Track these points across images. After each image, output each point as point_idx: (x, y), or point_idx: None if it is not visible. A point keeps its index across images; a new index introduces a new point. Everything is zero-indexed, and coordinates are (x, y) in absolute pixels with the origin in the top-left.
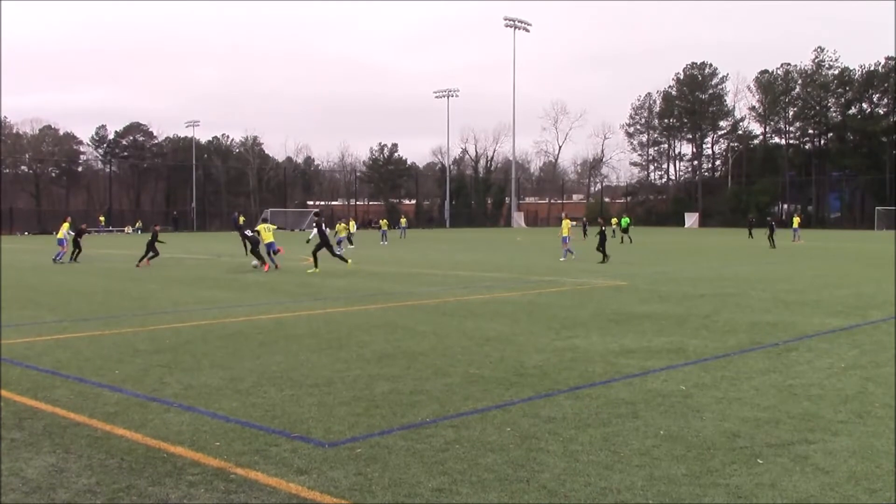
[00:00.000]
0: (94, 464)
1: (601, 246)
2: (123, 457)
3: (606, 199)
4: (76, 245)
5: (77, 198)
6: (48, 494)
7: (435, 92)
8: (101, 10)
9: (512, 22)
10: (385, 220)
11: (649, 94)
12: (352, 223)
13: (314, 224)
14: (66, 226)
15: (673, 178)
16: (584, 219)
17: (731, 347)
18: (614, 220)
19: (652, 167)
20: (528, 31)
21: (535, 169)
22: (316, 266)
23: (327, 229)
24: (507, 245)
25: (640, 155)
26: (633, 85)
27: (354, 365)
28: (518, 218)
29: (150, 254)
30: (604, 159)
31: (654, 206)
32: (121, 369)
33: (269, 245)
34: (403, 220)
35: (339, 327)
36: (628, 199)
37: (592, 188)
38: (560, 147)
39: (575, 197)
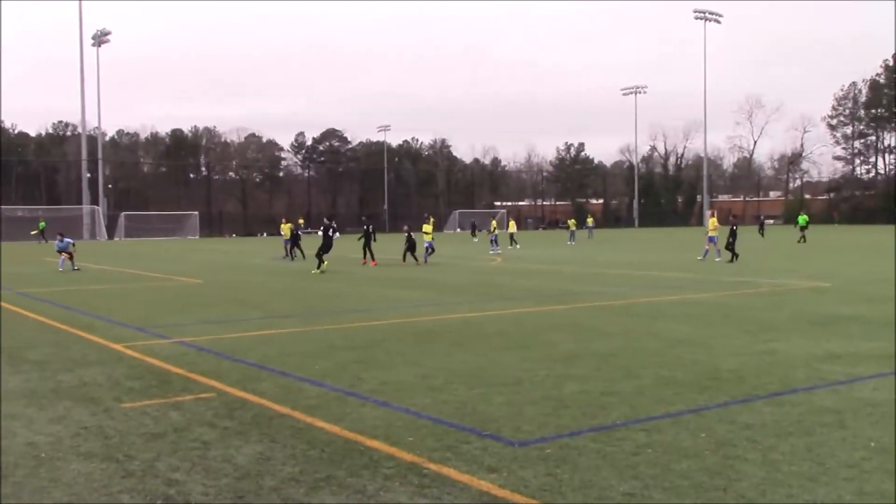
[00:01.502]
0: (297, 453)
1: (731, 245)
2: (324, 448)
3: (807, 196)
4: (295, 244)
5: (279, 201)
6: (256, 481)
7: (622, 89)
8: (298, 24)
9: (702, 14)
10: (573, 220)
11: (854, 83)
12: (512, 223)
13: (322, 228)
14: (287, 227)
15: (882, 172)
16: (762, 217)
17: None
18: (802, 218)
19: (858, 161)
20: (719, 22)
21: (728, 165)
22: (319, 267)
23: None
24: (698, 245)
25: (844, 148)
26: (834, 74)
27: (543, 365)
28: (762, 216)
29: (368, 252)
30: (803, 154)
31: (860, 203)
32: (320, 365)
33: (428, 244)
34: (590, 220)
35: (527, 327)
36: (831, 195)
37: (791, 184)
38: (755, 142)
39: (772, 194)
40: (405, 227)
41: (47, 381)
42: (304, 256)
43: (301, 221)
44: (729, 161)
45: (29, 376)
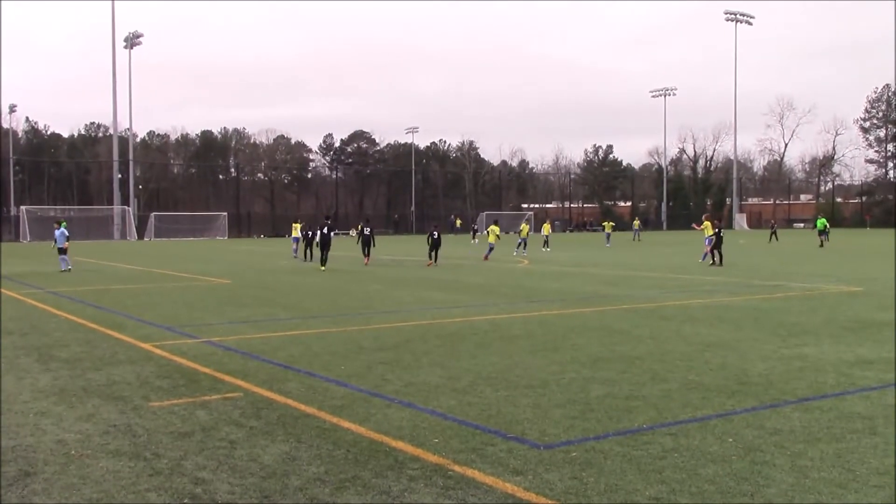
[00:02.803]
0: (322, 454)
1: (717, 247)
2: (349, 448)
3: (838, 199)
4: (309, 245)
5: (306, 202)
6: (282, 480)
7: (651, 91)
8: (327, 26)
9: (733, 15)
10: (610, 223)
11: (888, 85)
12: (546, 226)
13: (321, 227)
14: (297, 226)
15: None
16: (773, 222)
17: None
18: (820, 222)
19: (891, 164)
20: (750, 24)
21: (758, 168)
22: (323, 265)
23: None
24: (729, 248)
25: (877, 151)
26: (867, 76)
27: (569, 367)
28: (740, 220)
29: (433, 253)
30: (835, 157)
31: (893, 207)
32: (347, 365)
33: (491, 245)
34: (637, 223)
35: (554, 329)
36: (863, 198)
37: (822, 187)
38: (786, 145)
39: (803, 197)
40: (433, 227)
41: (77, 379)
42: (311, 257)
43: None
44: (759, 164)
45: (59, 374)
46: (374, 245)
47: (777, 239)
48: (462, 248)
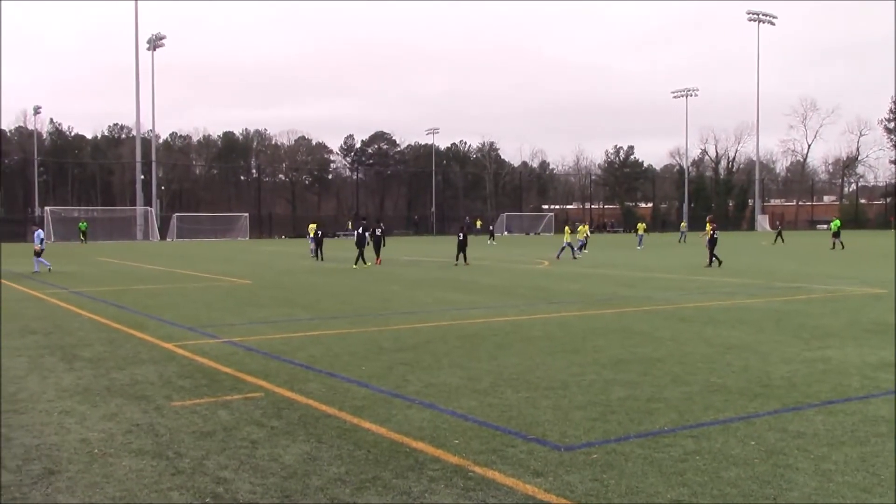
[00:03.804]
0: (343, 454)
1: (711, 248)
2: (370, 449)
3: (862, 201)
4: (319, 245)
5: (327, 203)
6: (303, 480)
7: (673, 92)
8: (347, 27)
9: (756, 15)
10: (642, 224)
11: None
12: (583, 228)
13: (359, 228)
14: (313, 226)
15: None
16: (779, 223)
17: None
18: (834, 224)
19: None
20: (773, 24)
21: (780, 169)
22: (356, 263)
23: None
24: (750, 249)
25: None
26: (892, 76)
27: (590, 369)
28: (762, 221)
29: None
30: (859, 158)
31: None
32: (367, 366)
33: (568, 244)
34: (683, 224)
35: (574, 331)
36: (888, 199)
37: (846, 189)
38: (809, 145)
39: (826, 198)
40: (461, 227)
41: (100, 378)
42: (321, 257)
43: (349, 224)
44: (782, 165)
45: (82, 374)
46: (384, 245)
47: (783, 241)
48: (479, 248)
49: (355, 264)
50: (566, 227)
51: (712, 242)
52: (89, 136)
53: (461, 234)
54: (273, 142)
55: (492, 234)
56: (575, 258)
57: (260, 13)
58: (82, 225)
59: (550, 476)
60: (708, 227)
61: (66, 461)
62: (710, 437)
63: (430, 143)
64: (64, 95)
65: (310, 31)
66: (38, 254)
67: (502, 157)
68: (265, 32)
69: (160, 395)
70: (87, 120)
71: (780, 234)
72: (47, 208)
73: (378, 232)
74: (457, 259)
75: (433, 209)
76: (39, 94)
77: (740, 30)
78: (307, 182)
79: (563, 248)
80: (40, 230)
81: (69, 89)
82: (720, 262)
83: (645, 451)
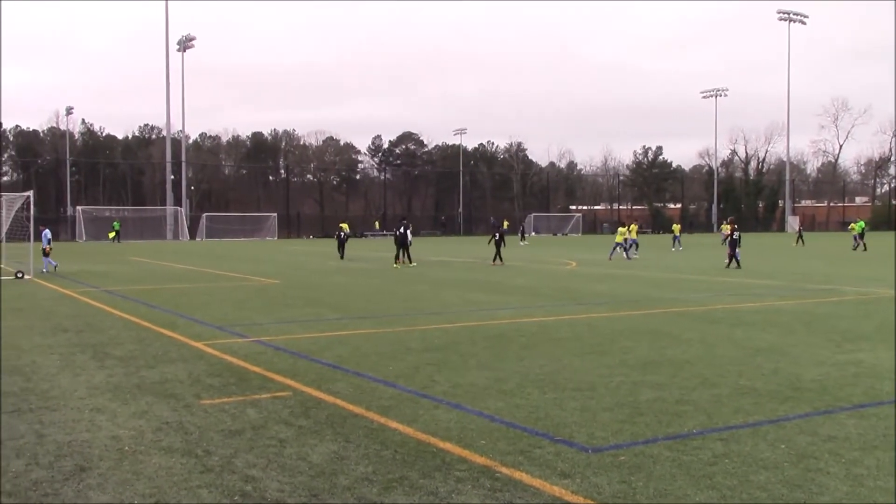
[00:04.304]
0: (370, 453)
1: (731, 249)
2: (397, 449)
3: (894, 202)
4: (342, 245)
5: (355, 204)
6: (331, 479)
7: (702, 92)
8: (374, 28)
9: (786, 15)
10: (678, 225)
11: None
12: (630, 228)
13: (403, 228)
14: (344, 226)
15: None
16: (800, 226)
17: None
18: (853, 226)
19: None
20: (804, 23)
21: (811, 170)
22: (396, 262)
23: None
24: (780, 251)
25: None
26: None
27: (618, 371)
28: (793, 222)
29: (497, 253)
30: (892, 158)
31: None
32: (394, 366)
33: (619, 244)
34: (727, 226)
35: (602, 332)
36: None
37: (878, 190)
38: (840, 146)
39: (858, 199)
40: (496, 228)
41: (131, 376)
42: (343, 256)
43: (377, 224)
44: (813, 165)
45: (113, 371)
46: (409, 244)
47: (803, 243)
48: (510, 249)
49: (395, 263)
50: (620, 228)
51: (733, 243)
52: (120, 137)
53: (497, 234)
54: (301, 142)
55: (523, 235)
56: (628, 259)
57: (289, 15)
58: (116, 224)
59: (578, 477)
60: (726, 227)
61: (98, 458)
62: (739, 440)
63: (457, 143)
64: (96, 96)
65: (339, 33)
66: (46, 254)
67: (530, 157)
68: (294, 34)
69: (189, 394)
70: (119, 121)
71: (800, 235)
72: (79, 208)
73: (401, 231)
74: (494, 259)
75: (460, 210)
76: (72, 96)
77: (771, 29)
78: (335, 182)
79: (615, 249)
80: (47, 230)
81: (101, 90)
82: (738, 264)
83: (673, 454)
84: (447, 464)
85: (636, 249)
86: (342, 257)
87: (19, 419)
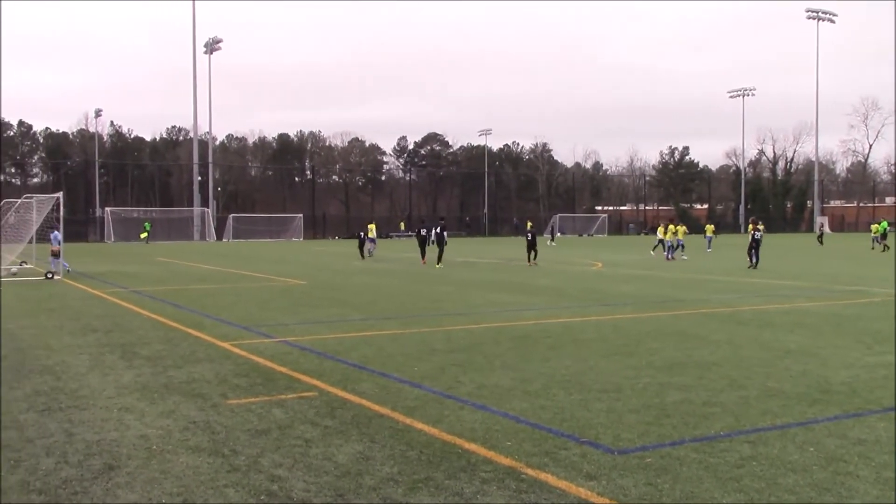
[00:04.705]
0: (396, 454)
1: (751, 249)
2: (422, 449)
3: None
4: (361, 246)
5: (381, 204)
6: (356, 480)
7: (729, 92)
8: (399, 29)
9: (815, 13)
10: (711, 226)
11: None
12: (681, 228)
13: (440, 228)
14: (372, 227)
15: None
16: (822, 227)
17: None
18: (875, 227)
19: None
20: (833, 22)
21: (841, 170)
22: (439, 262)
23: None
24: (809, 251)
25: None
26: None
27: (644, 372)
28: (821, 222)
29: (533, 253)
30: None
31: None
32: (419, 366)
33: (666, 242)
34: (761, 226)
35: (628, 333)
36: None
37: None
38: (870, 146)
39: (888, 200)
40: (528, 227)
41: (158, 376)
42: (364, 256)
43: (402, 225)
44: (842, 165)
45: (141, 371)
46: (429, 244)
47: (821, 243)
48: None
49: (438, 263)
50: (669, 227)
51: (755, 243)
52: (148, 139)
53: (529, 235)
54: (327, 143)
55: (552, 235)
56: (669, 259)
57: (315, 16)
58: (147, 225)
59: (604, 479)
60: (751, 227)
61: (126, 457)
62: (767, 443)
63: (482, 144)
64: (124, 99)
65: (366, 34)
66: (55, 254)
67: (555, 157)
68: (322, 35)
69: (216, 394)
70: (146, 122)
71: (821, 236)
72: (108, 209)
73: (423, 232)
74: (529, 260)
75: (485, 210)
76: (100, 98)
77: (799, 28)
78: (360, 183)
79: (671, 248)
80: (57, 232)
81: (129, 93)
82: (755, 264)
83: (700, 456)
84: (472, 465)
85: (683, 250)
86: (363, 257)
87: (49, 418)
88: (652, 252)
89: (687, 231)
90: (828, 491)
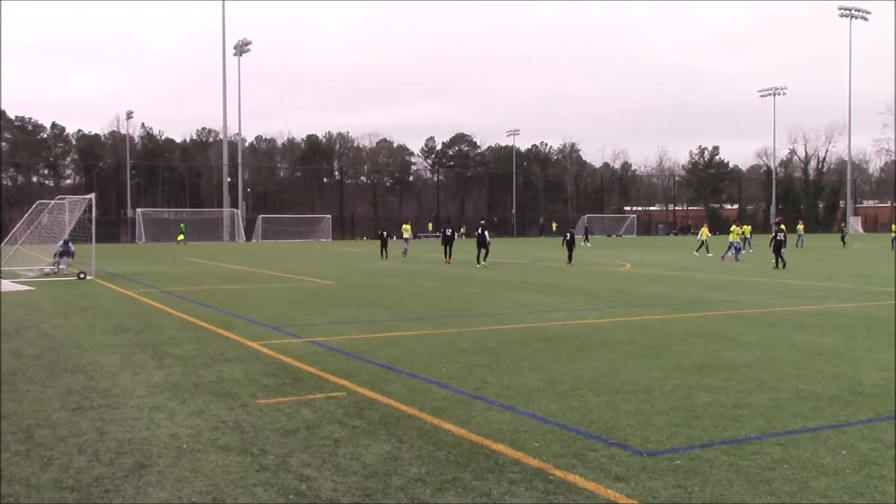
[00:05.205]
0: (423, 454)
1: (776, 249)
2: (450, 450)
3: None
4: (384, 246)
5: (408, 205)
6: (384, 480)
7: (759, 91)
8: (427, 30)
9: (848, 11)
10: (748, 227)
11: None
12: (746, 228)
13: (481, 229)
14: (407, 227)
15: None
16: (844, 227)
17: None
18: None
19: None
20: (866, 20)
21: (874, 169)
22: (479, 262)
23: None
24: (841, 252)
25: None
26: None
27: (673, 374)
28: (855, 223)
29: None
30: None
31: None
32: (447, 367)
33: (733, 244)
34: (800, 226)
35: (657, 335)
36: None
37: None
38: None
39: None
40: (569, 229)
41: (189, 375)
42: (386, 256)
43: (430, 225)
44: (875, 165)
45: (172, 371)
46: (488, 244)
47: (844, 244)
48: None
49: (478, 263)
50: (734, 227)
51: (778, 244)
52: (178, 140)
53: (568, 235)
54: (355, 144)
55: (586, 236)
56: (737, 260)
57: (344, 18)
58: (182, 227)
59: (632, 481)
60: (799, 227)
61: (156, 455)
62: (798, 446)
63: (510, 144)
64: (155, 101)
65: (393, 35)
66: (59, 255)
67: (583, 158)
68: (349, 37)
69: (246, 393)
70: (177, 124)
71: (843, 236)
72: (139, 210)
73: (448, 232)
74: (569, 260)
75: (513, 211)
76: (131, 100)
77: (831, 26)
78: (388, 184)
79: (735, 249)
80: (70, 243)
81: (159, 95)
82: (778, 264)
83: (730, 459)
84: (500, 465)
85: (749, 245)
86: (384, 257)
87: (82, 416)
88: (696, 253)
89: (751, 231)
90: (861, 495)
